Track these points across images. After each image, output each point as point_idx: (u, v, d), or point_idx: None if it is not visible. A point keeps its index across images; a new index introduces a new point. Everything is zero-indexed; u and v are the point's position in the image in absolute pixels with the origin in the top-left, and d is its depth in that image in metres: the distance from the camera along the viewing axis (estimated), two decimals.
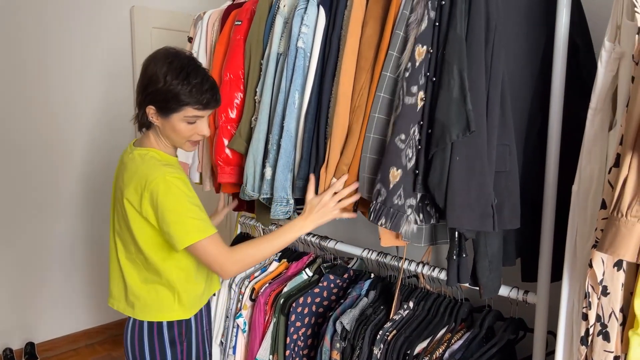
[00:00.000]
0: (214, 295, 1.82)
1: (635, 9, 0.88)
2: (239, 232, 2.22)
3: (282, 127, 1.49)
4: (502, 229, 1.22)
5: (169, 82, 1.27)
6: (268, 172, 1.52)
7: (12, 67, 2.60)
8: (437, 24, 1.18)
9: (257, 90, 1.62)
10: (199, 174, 1.91)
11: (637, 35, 0.90)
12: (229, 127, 1.67)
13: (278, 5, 1.57)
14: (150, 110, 1.33)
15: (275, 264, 1.90)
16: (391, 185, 1.19)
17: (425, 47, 1.18)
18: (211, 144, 1.75)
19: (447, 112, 1.13)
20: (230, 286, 1.88)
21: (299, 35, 1.47)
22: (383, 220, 1.20)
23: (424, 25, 1.18)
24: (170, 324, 1.42)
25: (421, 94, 1.18)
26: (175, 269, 1.40)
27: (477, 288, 1.27)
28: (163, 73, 1.28)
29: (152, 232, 1.35)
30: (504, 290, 1.36)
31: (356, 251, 1.72)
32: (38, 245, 2.82)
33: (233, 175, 1.69)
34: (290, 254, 1.98)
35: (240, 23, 1.70)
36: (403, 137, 1.18)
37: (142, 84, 1.33)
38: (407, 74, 1.18)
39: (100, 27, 2.87)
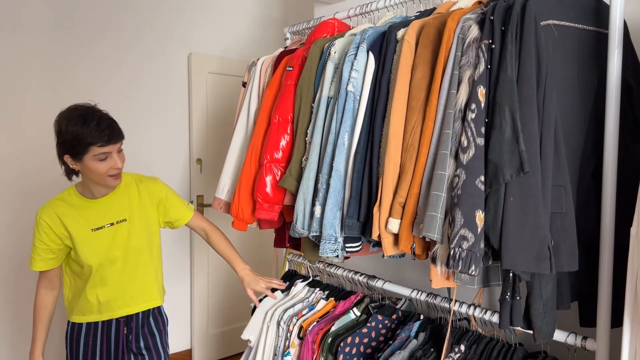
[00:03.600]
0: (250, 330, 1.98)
1: None
2: (287, 269, 2.24)
3: (331, 167, 1.54)
4: (556, 272, 1.19)
5: (70, 131, 1.49)
6: (317, 210, 1.56)
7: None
8: (489, 66, 1.21)
9: (307, 132, 1.68)
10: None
11: None
12: (273, 167, 1.74)
13: (329, 52, 1.65)
14: (67, 159, 1.56)
15: (322, 302, 1.91)
16: (479, 230, 1.16)
17: (485, 89, 1.20)
18: (251, 180, 1.82)
19: (500, 153, 1.14)
20: (278, 323, 1.90)
21: (349, 79, 1.53)
22: (473, 267, 1.16)
23: (482, 67, 1.21)
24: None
25: None
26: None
27: (531, 332, 1.24)
28: (65, 125, 1.51)
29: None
30: (560, 336, 1.31)
31: (405, 291, 1.71)
32: None
33: (270, 212, 1.75)
34: (337, 292, 1.98)
35: (291, 69, 1.79)
36: (482, 178, 1.17)
37: (56, 140, 1.56)
38: (473, 115, 1.19)
39: (160, 72, 3.06)
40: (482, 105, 1.20)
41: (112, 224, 1.69)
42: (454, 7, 1.50)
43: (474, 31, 1.26)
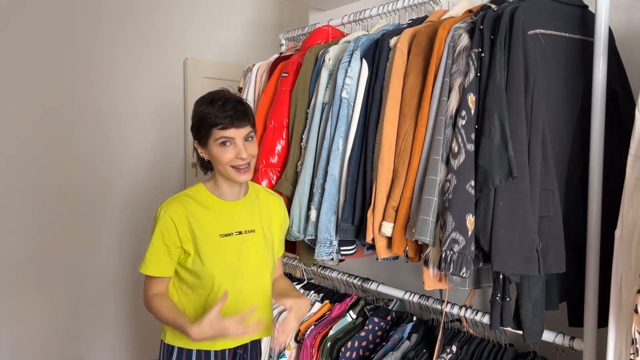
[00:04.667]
0: None
1: None
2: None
3: (326, 172, 1.57)
4: (545, 274, 1.23)
5: (197, 112, 1.36)
6: (313, 214, 1.59)
7: (73, 110, 2.82)
8: (479, 74, 1.25)
9: (302, 137, 1.71)
10: None
11: None
12: (269, 171, 1.77)
13: (324, 59, 1.68)
14: (197, 146, 1.41)
15: (318, 305, 1.94)
16: (469, 233, 1.19)
17: (475, 96, 1.24)
18: None
19: (490, 159, 1.18)
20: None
21: (343, 86, 1.56)
22: (464, 270, 1.19)
23: (472, 75, 1.24)
24: None
25: None
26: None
27: (521, 332, 1.28)
28: (196, 107, 1.39)
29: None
30: (549, 336, 1.35)
31: (398, 293, 1.74)
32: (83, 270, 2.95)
33: None
34: (332, 295, 2.01)
35: (287, 75, 1.82)
36: (473, 183, 1.21)
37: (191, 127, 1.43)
38: (463, 122, 1.23)
39: (157, 75, 3.09)
40: (472, 112, 1.23)
41: (240, 233, 1.43)
42: (445, 16, 1.54)
43: (464, 40, 1.30)
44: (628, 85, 1.40)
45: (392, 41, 1.50)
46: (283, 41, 2.33)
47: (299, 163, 1.70)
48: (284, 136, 1.78)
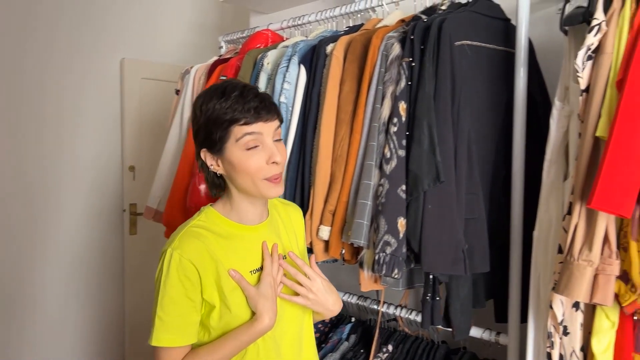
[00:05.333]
0: None
1: (578, 74, 1.00)
2: None
3: None
4: (472, 273, 1.29)
5: (206, 110, 1.01)
6: None
7: (7, 111, 2.68)
8: (409, 83, 1.30)
9: None
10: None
11: (580, 97, 1.02)
12: None
13: (262, 63, 1.68)
14: (205, 155, 1.04)
15: None
16: (401, 235, 1.24)
17: (406, 104, 1.28)
18: (184, 189, 1.82)
19: (419, 164, 1.23)
20: None
21: (281, 91, 1.57)
22: (396, 271, 1.23)
23: (403, 83, 1.29)
24: None
25: None
26: None
27: (450, 329, 1.33)
28: (199, 105, 1.03)
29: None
30: (476, 332, 1.42)
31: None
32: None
33: None
34: None
35: (225, 78, 1.81)
36: (404, 187, 1.25)
37: (193, 132, 1.07)
38: (395, 129, 1.27)
39: (92, 76, 2.97)
40: (404, 119, 1.28)
41: None
42: (380, 24, 1.58)
43: (396, 49, 1.34)
44: (547, 94, 1.50)
45: (329, 48, 1.53)
46: (222, 44, 2.31)
47: None
48: None
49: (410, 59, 1.30)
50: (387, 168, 1.27)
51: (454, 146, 1.24)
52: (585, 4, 1.08)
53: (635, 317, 0.99)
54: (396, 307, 1.61)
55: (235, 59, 1.86)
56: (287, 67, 1.59)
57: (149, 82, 3.11)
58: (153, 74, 3.13)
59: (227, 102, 0.98)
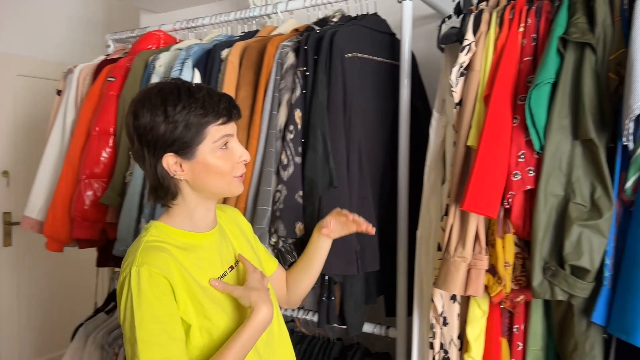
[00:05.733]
0: None
1: (452, 88, 1.11)
2: (112, 289, 2.13)
3: None
4: (364, 272, 1.36)
5: (172, 112, 0.94)
6: (143, 226, 1.53)
7: None
8: (304, 91, 1.34)
9: None
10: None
11: (454, 109, 1.13)
12: (93, 182, 1.66)
13: (154, 65, 1.63)
14: (169, 160, 0.96)
15: None
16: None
17: (302, 112, 1.32)
18: (68, 197, 1.71)
19: (314, 170, 1.28)
20: (102, 347, 1.80)
21: None
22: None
23: (298, 92, 1.33)
24: None
25: None
26: None
27: (345, 327, 1.40)
28: (161, 108, 0.95)
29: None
30: (369, 327, 1.50)
31: None
32: None
33: (90, 230, 1.69)
34: None
35: (114, 79, 1.72)
36: (301, 193, 1.30)
37: (139, 138, 0.96)
38: (291, 136, 1.31)
39: None
40: (299, 126, 1.32)
41: (232, 267, 1.05)
42: (275, 32, 1.61)
43: (291, 58, 1.38)
44: (428, 104, 1.63)
45: (224, 53, 1.52)
46: (110, 42, 2.19)
47: (127, 173, 1.62)
48: (110, 144, 1.68)
49: (305, 69, 1.34)
50: (285, 174, 1.31)
51: (346, 153, 1.30)
52: (458, 25, 1.20)
53: (501, 306, 1.12)
54: (293, 308, 1.64)
55: (125, 59, 1.78)
56: (181, 70, 1.56)
57: (27, 80, 2.85)
58: (32, 71, 2.88)
59: (198, 103, 0.95)
